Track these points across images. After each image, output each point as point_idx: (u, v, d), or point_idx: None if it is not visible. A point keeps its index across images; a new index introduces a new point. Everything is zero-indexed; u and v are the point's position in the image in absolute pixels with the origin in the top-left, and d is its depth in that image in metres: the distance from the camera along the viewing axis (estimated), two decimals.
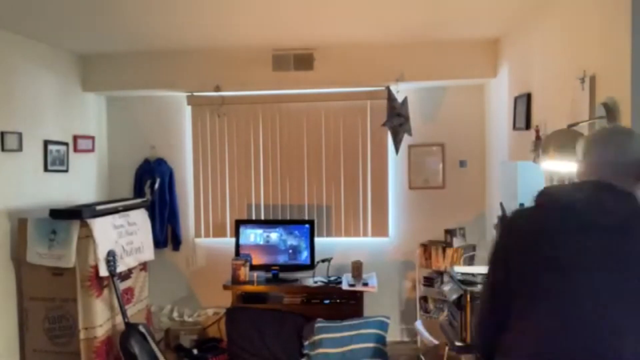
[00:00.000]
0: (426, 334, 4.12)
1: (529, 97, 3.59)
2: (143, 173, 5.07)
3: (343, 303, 4.51)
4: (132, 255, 4.10)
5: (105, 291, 3.83)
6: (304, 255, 4.71)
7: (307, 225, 4.76)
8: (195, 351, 4.54)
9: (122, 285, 4.00)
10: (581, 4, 2.80)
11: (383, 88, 4.61)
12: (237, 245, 4.79)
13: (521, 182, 4.14)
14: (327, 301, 4.53)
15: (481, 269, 3.26)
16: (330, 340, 4.15)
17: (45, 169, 4.26)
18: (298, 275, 4.71)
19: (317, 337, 4.19)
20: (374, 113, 4.91)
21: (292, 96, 4.93)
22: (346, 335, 4.18)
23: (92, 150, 4.92)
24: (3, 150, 3.80)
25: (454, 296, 2.93)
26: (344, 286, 4.43)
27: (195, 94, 4.98)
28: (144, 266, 4.39)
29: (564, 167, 2.59)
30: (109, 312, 3.87)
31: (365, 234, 5.02)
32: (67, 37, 4.11)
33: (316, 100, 4.95)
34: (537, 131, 3.28)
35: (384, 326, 4.25)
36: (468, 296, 2.82)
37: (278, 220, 5.00)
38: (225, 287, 4.56)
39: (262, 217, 5.06)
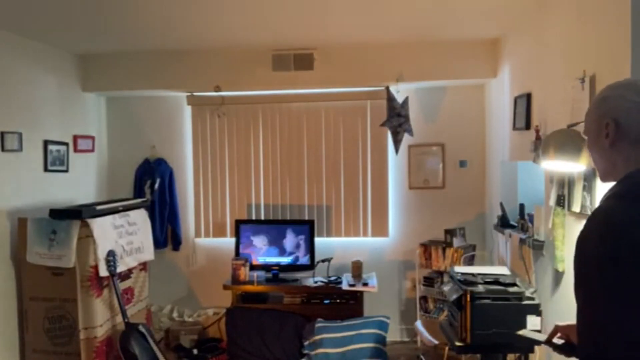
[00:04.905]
0: (426, 334, 4.12)
1: (529, 97, 3.59)
2: (143, 173, 5.08)
3: (343, 303, 4.51)
4: (132, 255, 4.10)
5: (105, 291, 3.83)
6: (304, 255, 4.72)
7: (307, 225, 4.76)
8: (195, 351, 4.54)
9: (122, 285, 4.01)
10: (581, 4, 2.80)
11: (383, 88, 4.62)
12: (237, 245, 4.79)
13: (521, 182, 4.15)
14: (327, 301, 4.53)
15: (481, 269, 3.27)
16: (330, 340, 4.15)
17: (45, 169, 4.26)
18: (298, 275, 4.71)
19: (317, 337, 4.19)
20: (374, 113, 4.91)
21: (292, 96, 4.94)
22: (346, 335, 4.18)
23: (92, 150, 4.92)
24: (3, 150, 3.80)
25: (454, 296, 2.93)
26: (344, 286, 4.42)
27: (195, 94, 4.98)
28: (144, 266, 4.39)
29: (563, 167, 2.60)
30: (109, 312, 3.87)
31: (365, 234, 5.02)
32: (67, 37, 4.11)
33: (316, 100, 4.95)
34: (537, 131, 3.28)
35: (383, 326, 4.26)
36: (468, 296, 2.81)
37: (278, 220, 5.00)
38: (225, 287, 4.56)
39: (262, 217, 5.06)
